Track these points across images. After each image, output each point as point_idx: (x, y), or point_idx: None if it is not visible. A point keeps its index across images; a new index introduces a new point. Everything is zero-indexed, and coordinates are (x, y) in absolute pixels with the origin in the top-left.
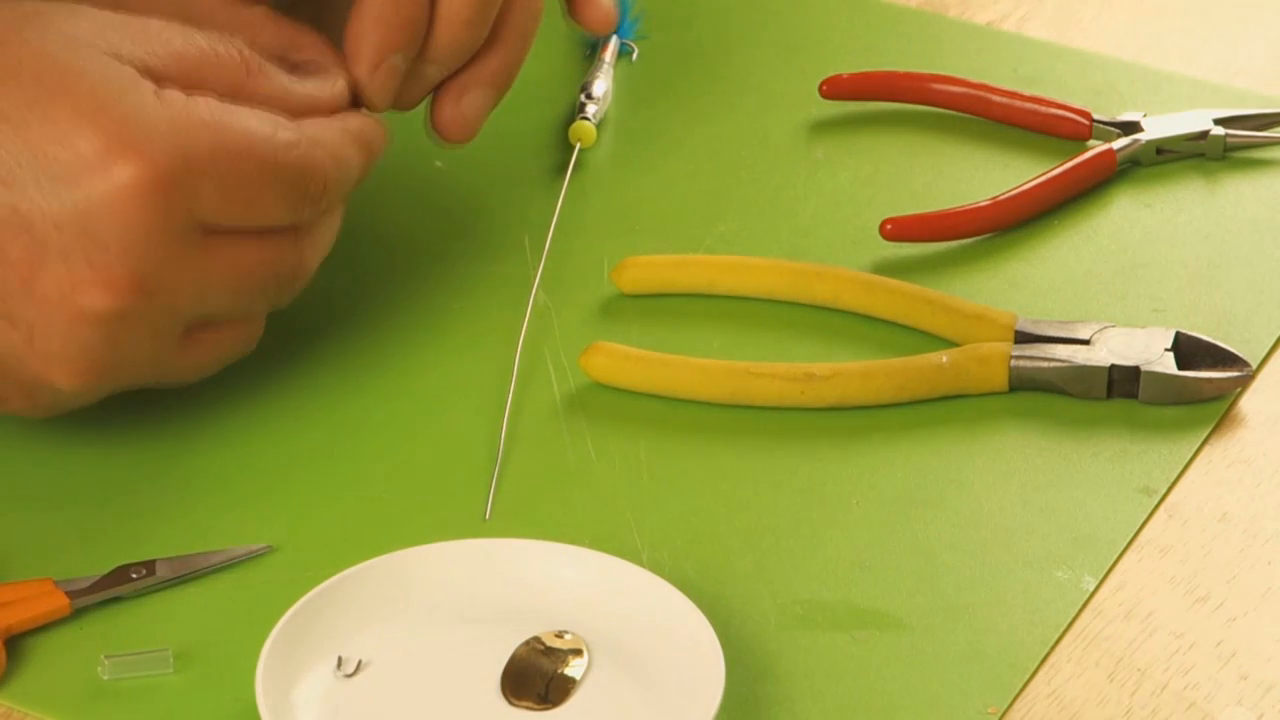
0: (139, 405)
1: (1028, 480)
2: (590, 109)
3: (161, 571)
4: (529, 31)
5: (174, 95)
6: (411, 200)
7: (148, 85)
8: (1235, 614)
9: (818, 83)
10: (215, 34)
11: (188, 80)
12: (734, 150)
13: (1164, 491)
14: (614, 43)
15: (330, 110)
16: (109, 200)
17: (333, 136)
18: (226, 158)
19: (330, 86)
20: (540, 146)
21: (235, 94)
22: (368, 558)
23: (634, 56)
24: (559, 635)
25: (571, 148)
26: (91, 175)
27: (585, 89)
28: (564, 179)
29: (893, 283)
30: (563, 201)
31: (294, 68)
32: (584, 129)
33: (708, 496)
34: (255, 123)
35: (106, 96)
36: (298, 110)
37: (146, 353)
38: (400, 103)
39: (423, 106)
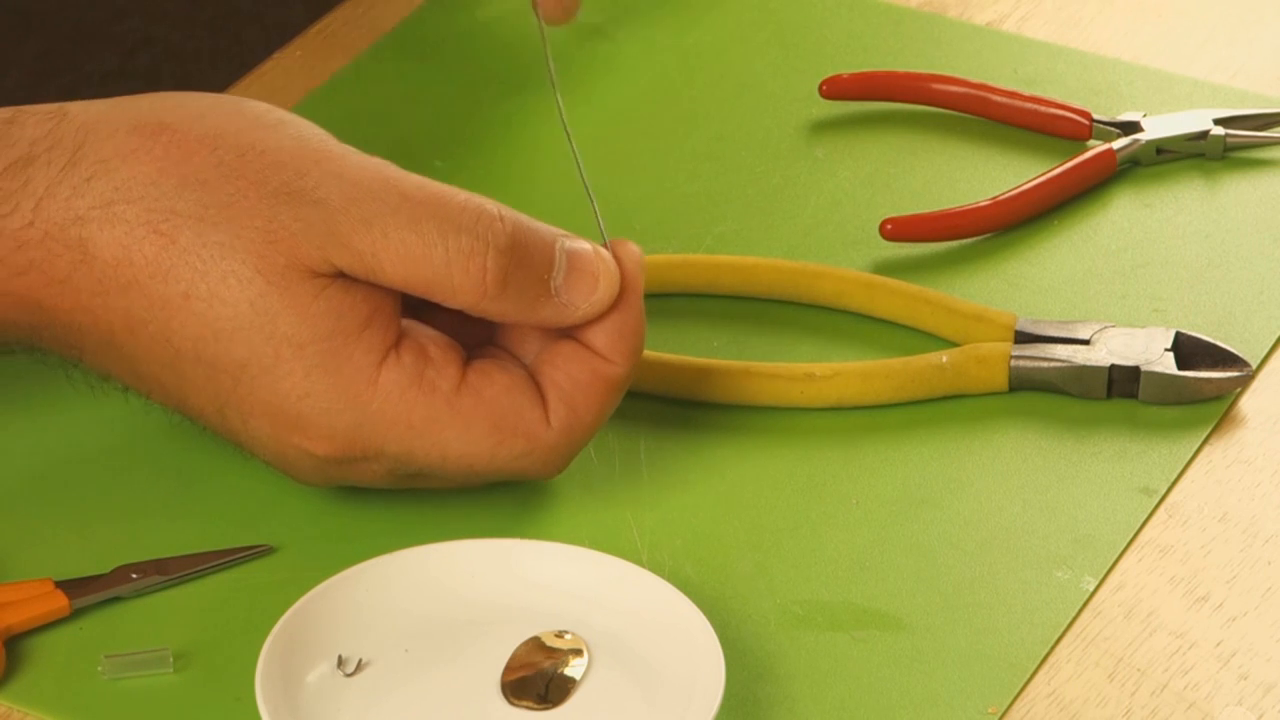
0: (138, 405)
1: (1028, 480)
2: None
3: (161, 571)
4: None
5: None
6: None
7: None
8: (1235, 614)
9: (818, 83)
10: None
11: None
12: (734, 150)
13: (1164, 491)
14: None
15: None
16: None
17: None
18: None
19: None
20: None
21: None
22: (368, 558)
23: None
24: (559, 635)
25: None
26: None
27: None
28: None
29: (893, 283)
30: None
31: None
32: None
33: (708, 496)
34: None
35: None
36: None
37: (371, 483)
38: None
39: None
